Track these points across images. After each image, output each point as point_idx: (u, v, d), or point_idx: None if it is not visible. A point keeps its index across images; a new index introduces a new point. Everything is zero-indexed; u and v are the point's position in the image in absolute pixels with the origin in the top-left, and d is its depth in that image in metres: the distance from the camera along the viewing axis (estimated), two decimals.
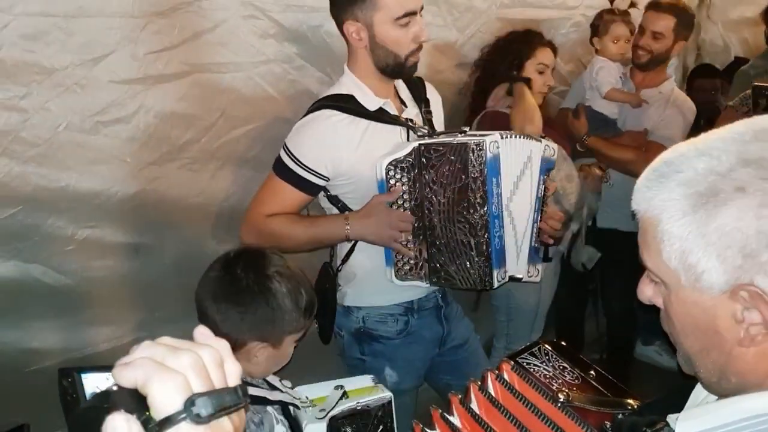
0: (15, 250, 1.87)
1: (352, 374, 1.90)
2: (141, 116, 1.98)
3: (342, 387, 1.61)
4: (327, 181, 1.86)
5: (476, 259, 1.77)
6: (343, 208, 1.90)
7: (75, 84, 1.86)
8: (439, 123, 2.07)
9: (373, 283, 1.95)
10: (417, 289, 1.95)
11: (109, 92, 1.91)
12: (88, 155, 1.92)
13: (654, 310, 0.89)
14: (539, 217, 1.92)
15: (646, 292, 0.88)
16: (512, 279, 1.88)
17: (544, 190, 1.92)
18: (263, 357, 1.49)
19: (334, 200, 1.91)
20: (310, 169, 1.82)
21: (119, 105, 1.94)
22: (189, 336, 0.64)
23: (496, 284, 1.80)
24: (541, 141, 1.88)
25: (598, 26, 2.89)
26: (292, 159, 1.84)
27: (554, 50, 2.67)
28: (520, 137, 1.86)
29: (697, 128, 2.85)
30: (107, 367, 0.60)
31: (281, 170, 1.86)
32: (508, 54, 2.59)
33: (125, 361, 0.58)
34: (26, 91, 1.79)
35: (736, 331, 0.76)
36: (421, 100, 2.01)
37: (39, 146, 1.83)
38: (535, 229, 1.90)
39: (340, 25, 1.89)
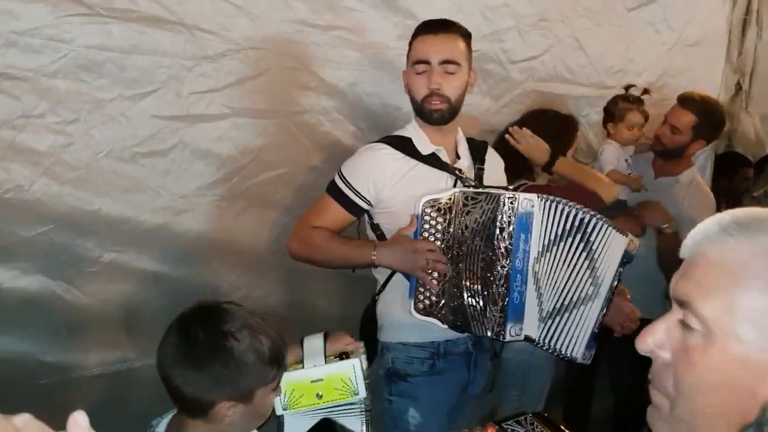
0: (42, 266, 1.95)
1: (381, 416, 2.04)
2: (178, 151, 2.08)
3: None
4: (370, 205, 1.98)
5: (492, 308, 1.81)
6: (380, 236, 2.01)
7: (120, 115, 1.96)
8: (495, 183, 2.08)
9: (398, 317, 2.01)
10: (444, 331, 1.96)
11: (151, 126, 2.02)
12: (123, 183, 2.01)
13: None
14: (606, 307, 1.83)
15: (658, 336, 0.83)
16: (528, 339, 1.87)
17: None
18: (237, 415, 1.42)
19: (375, 228, 2.03)
20: (354, 189, 1.96)
21: (159, 139, 2.04)
22: None
23: (508, 338, 1.83)
24: (627, 235, 1.79)
25: (614, 112, 2.85)
26: (341, 179, 1.98)
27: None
28: (570, 207, 1.80)
29: None
30: None
31: (332, 189, 2.00)
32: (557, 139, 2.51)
33: None
34: (74, 117, 1.90)
35: None
36: (477, 159, 2.10)
37: (79, 170, 1.93)
38: (600, 317, 1.82)
39: None
